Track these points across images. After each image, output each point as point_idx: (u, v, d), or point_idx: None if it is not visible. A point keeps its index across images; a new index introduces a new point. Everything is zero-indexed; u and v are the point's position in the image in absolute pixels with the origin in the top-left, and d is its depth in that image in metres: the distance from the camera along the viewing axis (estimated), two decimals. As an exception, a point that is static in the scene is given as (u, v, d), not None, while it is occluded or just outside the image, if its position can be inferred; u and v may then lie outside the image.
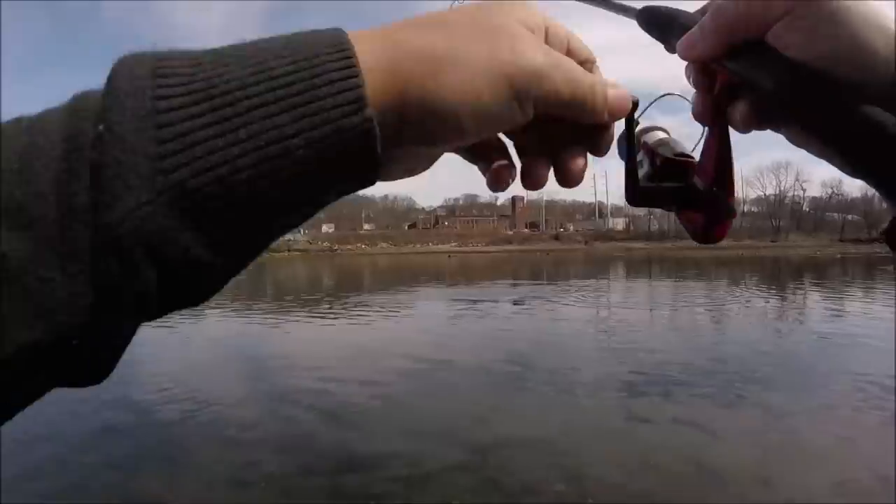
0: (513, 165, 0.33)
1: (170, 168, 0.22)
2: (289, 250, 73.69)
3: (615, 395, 4.74)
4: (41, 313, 0.21)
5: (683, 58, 0.35)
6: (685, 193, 0.37)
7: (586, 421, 4.16)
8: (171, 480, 3.32)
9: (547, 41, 0.30)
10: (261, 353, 7.49)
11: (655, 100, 0.41)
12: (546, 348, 7.10)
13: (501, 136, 0.34)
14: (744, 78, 0.33)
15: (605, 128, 0.33)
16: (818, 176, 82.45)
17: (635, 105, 0.35)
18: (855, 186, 71.82)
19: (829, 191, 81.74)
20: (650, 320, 9.96)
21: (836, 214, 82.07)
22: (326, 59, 0.24)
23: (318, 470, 3.37)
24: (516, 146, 0.34)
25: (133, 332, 0.26)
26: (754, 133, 0.36)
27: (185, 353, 7.37)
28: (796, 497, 2.84)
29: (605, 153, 0.34)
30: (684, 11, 0.38)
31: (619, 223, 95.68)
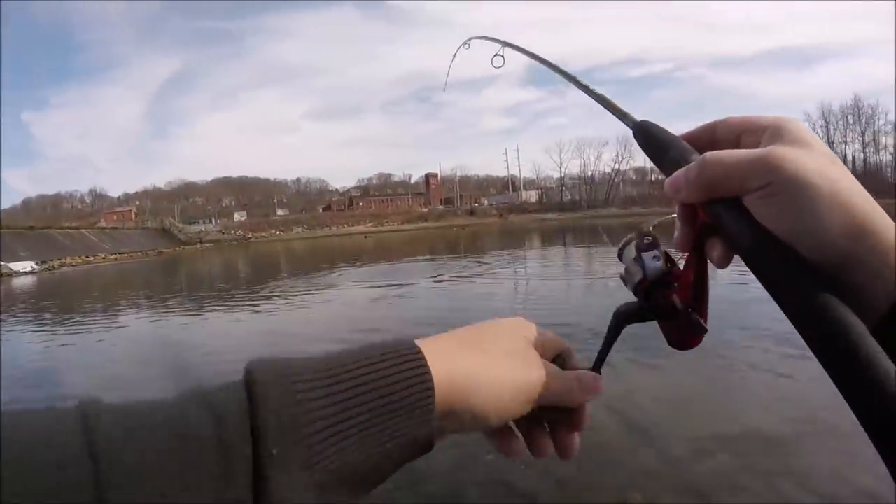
0: (518, 437, 0.42)
1: (318, 477, 0.29)
2: (200, 242, 69.78)
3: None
4: None
5: (669, 196, 0.40)
6: (666, 311, 0.42)
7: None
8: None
9: (541, 347, 0.42)
10: (183, 346, 7.37)
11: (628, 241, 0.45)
12: (470, 318, 7.20)
13: None
14: (719, 226, 0.37)
15: (582, 407, 0.42)
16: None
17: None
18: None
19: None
20: (566, 288, 10.46)
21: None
22: (418, 400, 0.34)
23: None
24: (514, 421, 0.42)
25: None
26: None
27: (105, 357, 7.10)
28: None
29: (582, 427, 0.43)
30: (675, 141, 0.42)
31: (532, 195, 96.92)
